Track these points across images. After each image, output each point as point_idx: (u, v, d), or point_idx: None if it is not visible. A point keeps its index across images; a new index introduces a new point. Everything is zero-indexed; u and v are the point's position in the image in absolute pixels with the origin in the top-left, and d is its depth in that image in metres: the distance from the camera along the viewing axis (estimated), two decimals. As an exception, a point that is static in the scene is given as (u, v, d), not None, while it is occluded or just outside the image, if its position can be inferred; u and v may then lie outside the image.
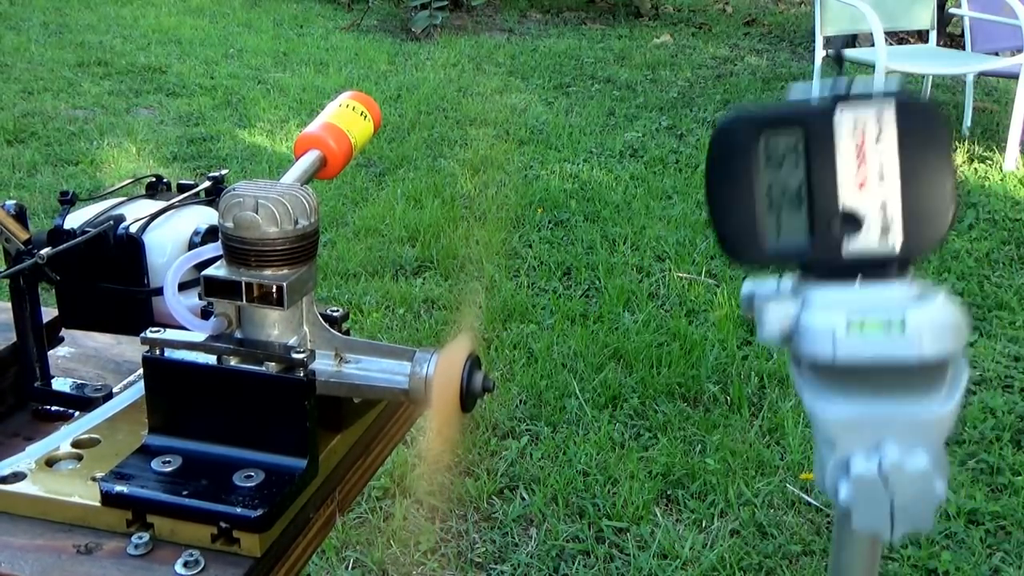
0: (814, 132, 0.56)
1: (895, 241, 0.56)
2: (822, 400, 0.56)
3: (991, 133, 5.08)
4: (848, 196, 0.56)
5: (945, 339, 0.54)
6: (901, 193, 0.56)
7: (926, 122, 0.56)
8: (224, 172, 0.89)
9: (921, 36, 5.70)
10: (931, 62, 5.03)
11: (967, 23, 5.14)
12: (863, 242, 0.56)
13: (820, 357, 0.55)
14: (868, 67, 4.75)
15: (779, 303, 0.58)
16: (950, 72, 5.47)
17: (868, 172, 0.56)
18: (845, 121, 0.56)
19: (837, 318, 0.55)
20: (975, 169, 4.54)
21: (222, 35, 6.85)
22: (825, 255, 0.57)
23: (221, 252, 0.72)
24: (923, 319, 0.54)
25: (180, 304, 0.75)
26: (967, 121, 5.10)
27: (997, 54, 5.07)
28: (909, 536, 2.08)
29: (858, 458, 0.55)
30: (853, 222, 0.56)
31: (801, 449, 2.37)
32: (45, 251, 0.78)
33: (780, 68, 6.58)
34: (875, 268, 0.56)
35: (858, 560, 0.64)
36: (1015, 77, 4.66)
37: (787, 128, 0.57)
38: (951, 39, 6.55)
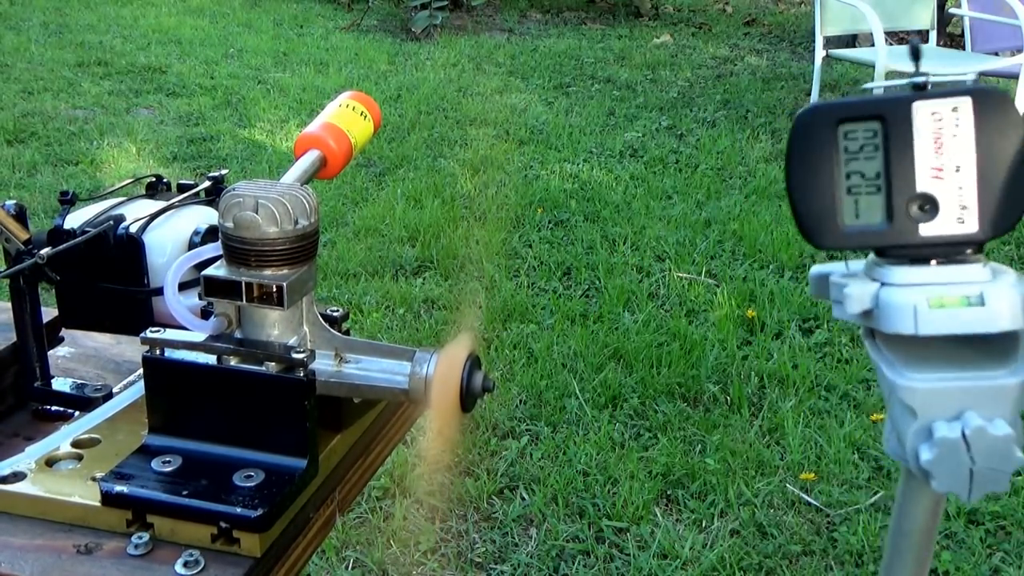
0: (893, 123, 0.60)
1: (971, 225, 0.60)
2: (903, 373, 0.60)
3: (991, 133, 5.08)
4: (925, 183, 0.60)
5: (1020, 312, 0.58)
6: (977, 181, 0.59)
7: (1001, 115, 0.59)
8: (224, 172, 0.89)
9: (921, 36, 5.70)
10: (931, 62, 5.03)
11: (967, 23, 5.14)
12: (939, 226, 0.60)
13: (904, 332, 0.58)
14: (868, 67, 4.75)
15: (860, 282, 0.61)
16: (950, 72, 5.46)
17: (945, 161, 0.60)
18: (923, 114, 0.60)
19: (918, 295, 0.58)
20: (975, 169, 4.54)
21: (222, 35, 6.85)
22: (902, 238, 0.60)
23: (221, 252, 0.72)
24: (1001, 295, 0.57)
25: (180, 304, 0.75)
26: (967, 121, 5.10)
27: (997, 54, 5.07)
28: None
29: (941, 424, 0.59)
30: (931, 206, 0.60)
31: (801, 449, 2.37)
32: (45, 251, 0.78)
33: (780, 68, 6.58)
34: (950, 250, 0.60)
35: (921, 525, 0.68)
36: (1015, 77, 4.66)
37: (866, 119, 0.61)
38: (951, 39, 6.55)
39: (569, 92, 5.80)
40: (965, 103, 0.59)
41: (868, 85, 0.65)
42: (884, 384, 0.62)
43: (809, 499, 2.21)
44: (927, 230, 0.60)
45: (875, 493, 2.23)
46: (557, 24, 7.93)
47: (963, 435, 0.58)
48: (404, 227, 3.63)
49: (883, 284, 0.60)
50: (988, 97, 0.59)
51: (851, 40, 6.02)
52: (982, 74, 5.19)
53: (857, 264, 0.64)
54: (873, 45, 4.65)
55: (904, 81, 0.61)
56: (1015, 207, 0.60)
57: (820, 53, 5.04)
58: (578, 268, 3.37)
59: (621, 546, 2.07)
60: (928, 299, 0.58)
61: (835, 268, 0.65)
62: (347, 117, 0.87)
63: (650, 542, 2.07)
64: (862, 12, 4.69)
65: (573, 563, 2.02)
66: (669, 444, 2.38)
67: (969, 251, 0.60)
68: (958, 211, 0.60)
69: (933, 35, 5.33)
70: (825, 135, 0.61)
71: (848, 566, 2.02)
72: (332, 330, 0.74)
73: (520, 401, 2.57)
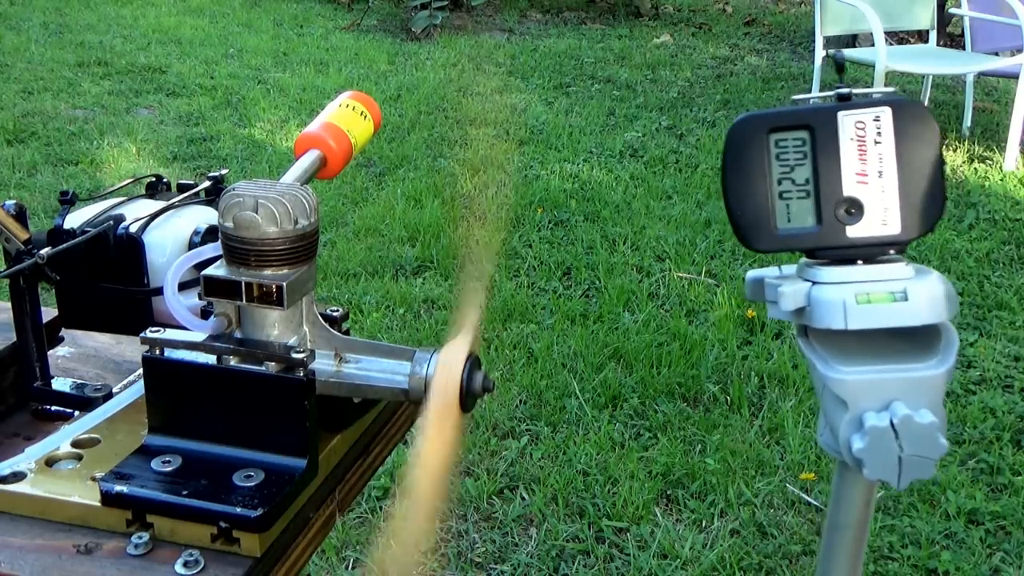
0: (819, 132, 0.64)
1: (893, 227, 0.64)
2: (834, 367, 0.64)
3: (991, 133, 5.08)
4: (851, 187, 0.64)
5: (941, 307, 0.62)
6: (898, 186, 0.64)
7: (919, 124, 0.64)
8: (224, 172, 0.89)
9: (921, 36, 5.70)
10: (931, 62, 5.03)
11: (967, 23, 5.14)
12: (865, 228, 0.65)
13: (834, 327, 0.63)
14: (868, 67, 4.75)
15: (792, 283, 0.66)
16: (950, 72, 5.47)
17: (868, 167, 0.64)
18: (847, 123, 0.64)
19: (847, 292, 0.62)
20: (975, 169, 4.54)
21: (222, 35, 6.85)
22: (831, 240, 0.65)
23: (220, 252, 0.72)
24: (922, 291, 0.62)
25: (180, 304, 0.74)
26: (967, 121, 5.10)
27: (997, 54, 5.07)
28: (908, 536, 2.08)
29: (871, 414, 0.63)
30: (856, 210, 0.65)
31: (801, 449, 2.37)
32: (45, 251, 0.78)
33: (780, 68, 6.58)
34: (875, 250, 0.65)
35: (856, 517, 0.72)
36: (1015, 77, 4.66)
37: (794, 129, 0.65)
38: (951, 39, 6.55)
39: (569, 92, 5.80)
40: (886, 113, 0.64)
41: (796, 96, 0.68)
42: (816, 379, 0.66)
43: (809, 499, 2.21)
44: (854, 232, 0.65)
45: (875, 493, 2.23)
46: (557, 24, 7.92)
47: (891, 424, 0.62)
48: (404, 227, 3.63)
49: (814, 283, 0.65)
50: (907, 108, 0.64)
51: (851, 40, 6.02)
52: (982, 74, 5.19)
53: (789, 268, 0.69)
54: (873, 45, 4.65)
55: (830, 93, 0.65)
56: (933, 210, 0.64)
57: (820, 53, 5.03)
58: (578, 268, 3.37)
59: (621, 546, 2.07)
60: (856, 295, 0.62)
61: (769, 272, 0.69)
62: (347, 117, 0.87)
63: (650, 542, 2.07)
64: (862, 12, 4.69)
65: (573, 563, 2.02)
66: (669, 444, 2.38)
67: (892, 251, 0.65)
68: (882, 214, 0.64)
69: (933, 35, 5.32)
70: (758, 144, 0.65)
71: (848, 566, 2.01)
72: (332, 330, 0.74)
73: (520, 401, 2.57)
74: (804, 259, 0.67)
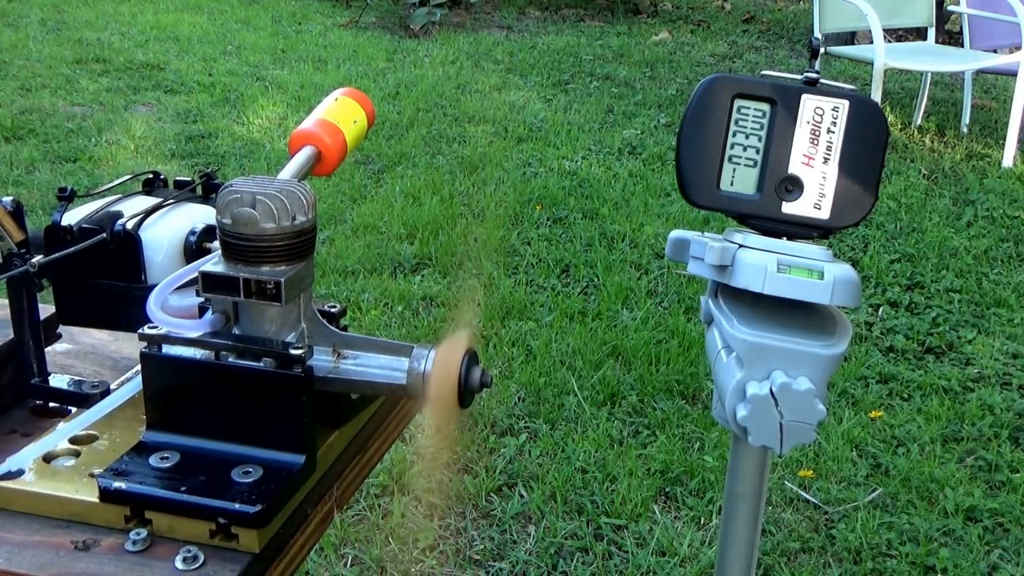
0: (781, 109, 0.68)
1: (824, 212, 0.68)
2: (737, 326, 0.67)
3: (989, 130, 5.08)
4: (795, 167, 0.68)
5: (849, 294, 0.65)
6: (837, 175, 0.68)
7: (871, 123, 0.67)
8: (215, 169, 0.89)
9: (919, 33, 5.70)
10: (929, 59, 5.03)
11: (965, 20, 5.14)
12: (799, 207, 0.69)
13: (752, 288, 0.66)
14: (867, 64, 4.75)
15: (720, 242, 0.69)
16: (948, 69, 5.46)
17: (816, 152, 0.68)
18: (808, 106, 0.68)
19: (770, 260, 0.65)
20: (973, 166, 4.54)
21: (220, 32, 6.84)
22: (766, 211, 0.69)
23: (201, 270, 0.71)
24: (837, 274, 0.65)
25: (165, 317, 0.73)
26: (965, 118, 5.10)
27: (995, 51, 5.07)
28: (906, 533, 2.08)
29: (753, 384, 0.66)
30: (795, 188, 0.68)
31: (799, 446, 2.37)
32: (37, 259, 0.78)
33: (779, 65, 6.58)
34: (803, 230, 0.69)
35: (751, 487, 0.76)
36: (1013, 74, 4.66)
37: (759, 100, 0.68)
38: (949, 36, 6.55)
39: (568, 89, 5.79)
40: (844, 105, 0.67)
41: (766, 72, 0.71)
42: (712, 346, 0.69)
43: (807, 496, 2.21)
44: (788, 209, 0.69)
45: (873, 490, 2.23)
46: (555, 21, 7.92)
47: (771, 392, 0.64)
48: (403, 224, 3.63)
49: (741, 246, 0.68)
50: (863, 105, 0.68)
51: (850, 37, 6.02)
52: (981, 71, 5.19)
53: (711, 234, 0.72)
54: (871, 42, 4.65)
55: (799, 76, 0.69)
56: (863, 205, 0.68)
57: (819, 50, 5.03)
58: (576, 265, 3.37)
59: (620, 543, 2.07)
60: (778, 264, 0.65)
61: (692, 235, 0.73)
62: (340, 113, 0.87)
63: (648, 539, 2.07)
64: (860, 9, 4.69)
65: (572, 560, 2.02)
66: (668, 441, 2.38)
67: (817, 235, 0.68)
68: (817, 198, 0.68)
69: (931, 32, 5.32)
70: (722, 105, 0.69)
71: (846, 563, 2.02)
72: (330, 326, 0.74)
73: (519, 398, 2.57)
74: (730, 227, 0.70)
